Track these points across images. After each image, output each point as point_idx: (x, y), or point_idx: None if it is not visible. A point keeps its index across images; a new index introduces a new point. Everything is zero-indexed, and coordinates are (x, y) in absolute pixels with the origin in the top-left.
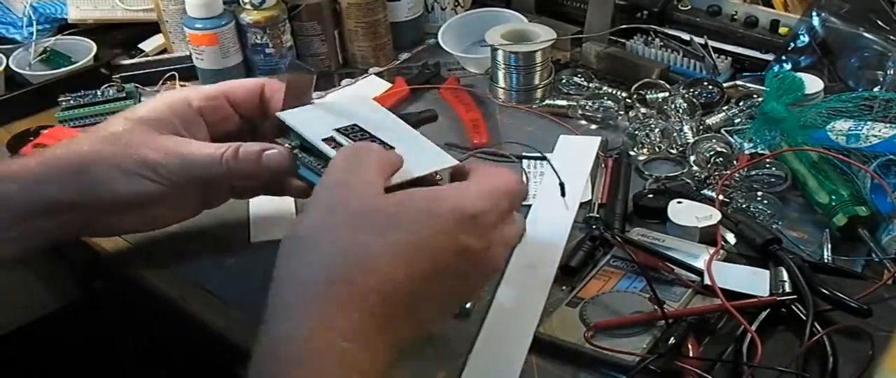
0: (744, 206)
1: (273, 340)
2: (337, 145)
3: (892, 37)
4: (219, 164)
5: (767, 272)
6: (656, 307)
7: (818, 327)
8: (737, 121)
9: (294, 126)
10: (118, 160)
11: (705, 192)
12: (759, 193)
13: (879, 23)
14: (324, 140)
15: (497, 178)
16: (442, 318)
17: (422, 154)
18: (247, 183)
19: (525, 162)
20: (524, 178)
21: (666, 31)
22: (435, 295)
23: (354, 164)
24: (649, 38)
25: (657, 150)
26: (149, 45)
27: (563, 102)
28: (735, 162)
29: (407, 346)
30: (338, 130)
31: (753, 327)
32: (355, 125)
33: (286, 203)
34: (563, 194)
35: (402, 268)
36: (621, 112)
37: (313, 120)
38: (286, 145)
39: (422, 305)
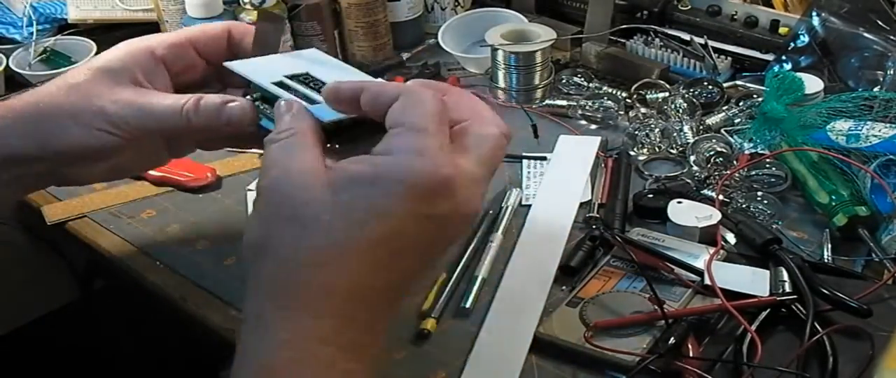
0: (744, 206)
1: (249, 352)
2: (288, 89)
3: (892, 37)
4: (178, 117)
5: (767, 272)
6: (656, 307)
7: (818, 327)
8: (737, 121)
9: (242, 73)
10: (76, 111)
11: (705, 192)
12: (759, 193)
13: (879, 23)
14: (274, 83)
15: (419, 108)
16: (422, 287)
17: None
18: (209, 135)
19: (525, 162)
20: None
21: (666, 31)
22: (406, 273)
23: (290, 152)
24: (649, 38)
25: (657, 150)
26: None
27: (563, 102)
28: (735, 162)
29: (398, 321)
30: (288, 76)
31: (753, 327)
32: (307, 73)
33: None
34: (535, 135)
35: (360, 263)
36: (621, 112)
37: (264, 67)
38: (248, 98)
39: (394, 288)
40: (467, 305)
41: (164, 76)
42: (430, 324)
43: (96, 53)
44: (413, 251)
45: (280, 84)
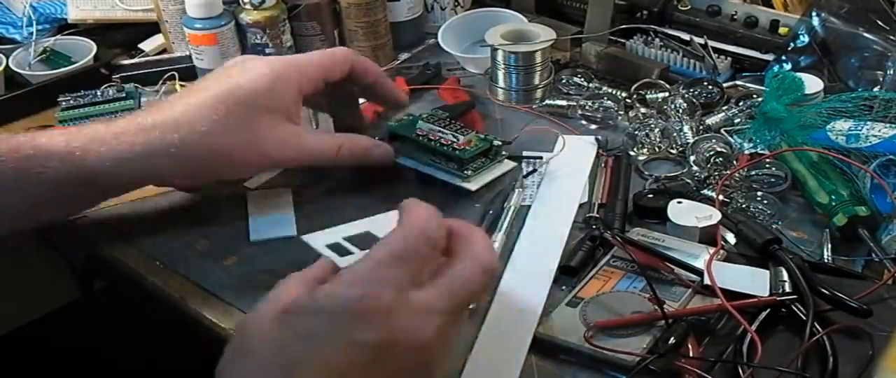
0: (744, 206)
1: None
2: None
3: (892, 37)
4: (332, 158)
5: (767, 272)
6: (656, 307)
7: (818, 327)
8: (737, 121)
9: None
10: (238, 150)
11: (705, 192)
12: (759, 193)
13: (879, 23)
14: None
15: (391, 240)
16: None
17: None
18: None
19: (525, 162)
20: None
21: (666, 31)
22: None
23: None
24: (649, 38)
25: (657, 150)
26: (149, 45)
27: (563, 102)
28: (735, 162)
29: None
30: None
31: (753, 327)
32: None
33: (284, 200)
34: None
35: None
36: (621, 112)
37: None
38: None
39: None
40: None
41: (299, 113)
42: None
43: (96, 53)
44: None
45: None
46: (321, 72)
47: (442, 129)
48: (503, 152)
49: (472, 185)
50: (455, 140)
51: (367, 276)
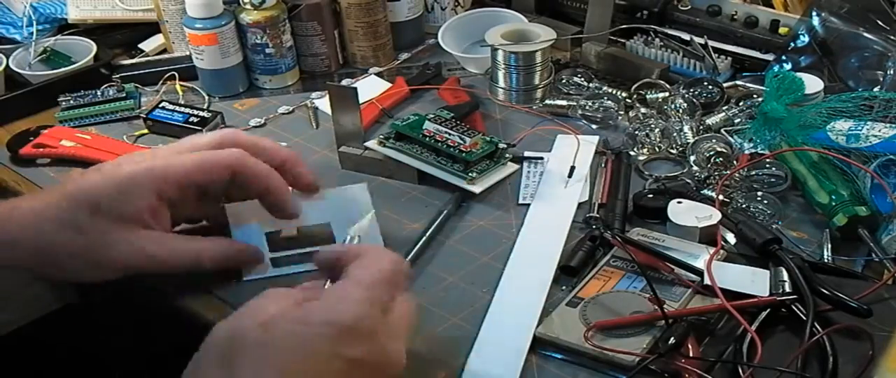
0: (744, 206)
1: None
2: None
3: (892, 37)
4: (193, 264)
5: (767, 272)
6: (656, 307)
7: (818, 327)
8: (737, 121)
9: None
10: (86, 257)
11: (705, 192)
12: (759, 193)
13: (879, 23)
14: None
15: (370, 267)
16: None
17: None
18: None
19: (524, 162)
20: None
21: (666, 31)
22: None
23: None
24: (649, 38)
25: (657, 150)
26: (149, 45)
27: (563, 102)
28: (735, 162)
29: None
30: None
31: (753, 327)
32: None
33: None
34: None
35: None
36: (621, 112)
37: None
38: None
39: None
40: None
41: (166, 214)
42: None
43: (96, 53)
44: None
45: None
46: (187, 179)
47: (448, 130)
48: (507, 155)
49: (477, 188)
50: (462, 141)
51: (358, 296)
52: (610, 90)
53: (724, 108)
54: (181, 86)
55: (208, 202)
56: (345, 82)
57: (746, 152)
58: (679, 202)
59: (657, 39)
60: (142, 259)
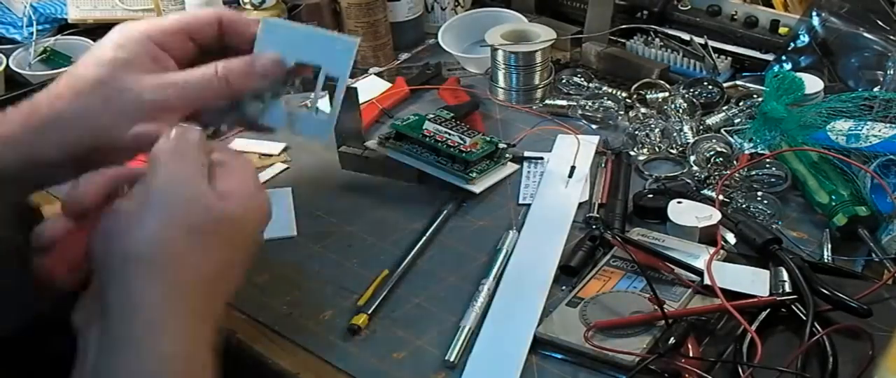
0: (744, 206)
1: (146, 358)
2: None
3: (892, 37)
4: (216, 84)
5: (767, 272)
6: (656, 307)
7: (818, 327)
8: (737, 121)
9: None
10: (112, 108)
11: (705, 192)
12: (759, 193)
13: (879, 23)
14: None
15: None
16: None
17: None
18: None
19: (524, 162)
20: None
21: (666, 31)
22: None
23: (178, 161)
24: (649, 38)
25: (657, 150)
26: None
27: (563, 102)
28: (735, 162)
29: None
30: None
31: (753, 327)
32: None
33: (285, 200)
34: None
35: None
36: (621, 112)
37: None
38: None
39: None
40: (451, 359)
41: (167, 60)
42: (361, 319)
43: None
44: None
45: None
46: (176, 25)
47: (448, 130)
48: (507, 155)
49: (477, 188)
50: (462, 142)
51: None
52: (610, 90)
53: (724, 108)
54: None
55: (206, 59)
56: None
57: (746, 152)
58: (679, 202)
59: (657, 39)
60: (164, 89)
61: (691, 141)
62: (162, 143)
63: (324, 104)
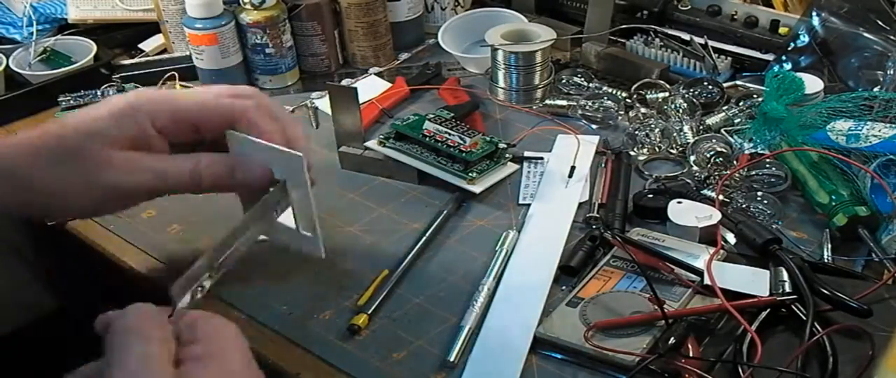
0: (744, 206)
1: None
2: None
3: (892, 37)
4: (185, 180)
5: (767, 272)
6: (656, 307)
7: (818, 327)
8: (737, 121)
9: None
10: (86, 186)
11: (705, 192)
12: (759, 193)
13: (879, 23)
14: None
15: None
16: None
17: None
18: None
19: (524, 162)
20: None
21: (666, 31)
22: None
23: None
24: (649, 38)
25: (657, 150)
26: (149, 45)
27: (563, 102)
28: (735, 162)
29: None
30: None
31: (753, 327)
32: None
33: None
34: None
35: None
36: (621, 112)
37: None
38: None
39: None
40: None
41: (163, 143)
42: (361, 319)
43: (96, 53)
44: None
45: None
46: (183, 113)
47: (449, 130)
48: (507, 155)
49: (477, 188)
50: (462, 141)
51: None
52: (610, 90)
53: (724, 108)
54: (181, 86)
55: (206, 148)
56: (345, 82)
57: (746, 152)
58: (679, 202)
59: (657, 39)
60: (138, 174)
61: (691, 141)
62: (118, 323)
63: (289, 217)
